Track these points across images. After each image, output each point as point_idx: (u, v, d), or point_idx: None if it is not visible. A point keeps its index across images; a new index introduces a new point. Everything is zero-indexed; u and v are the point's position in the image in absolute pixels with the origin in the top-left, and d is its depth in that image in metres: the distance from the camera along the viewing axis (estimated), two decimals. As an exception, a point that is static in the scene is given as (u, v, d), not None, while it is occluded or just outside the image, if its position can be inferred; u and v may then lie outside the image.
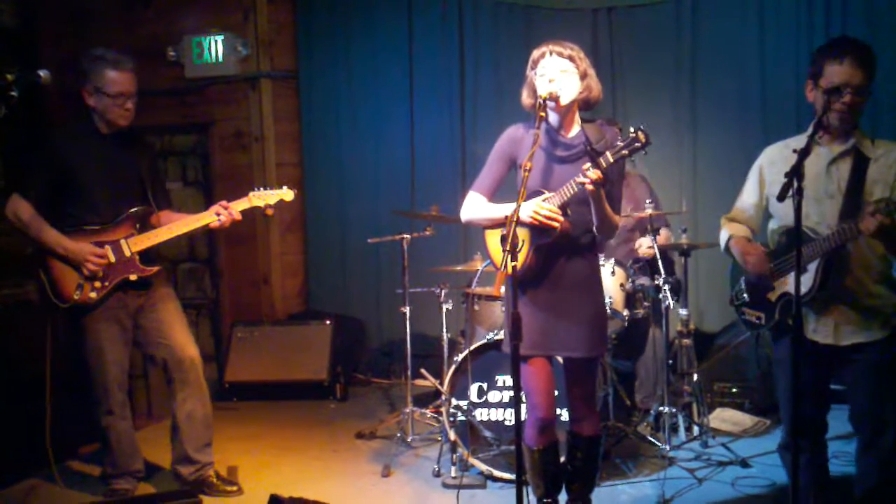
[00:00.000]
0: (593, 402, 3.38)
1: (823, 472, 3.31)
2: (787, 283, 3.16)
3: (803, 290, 2.92)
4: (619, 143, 2.92)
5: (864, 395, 3.12)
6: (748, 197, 3.37)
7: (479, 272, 4.63)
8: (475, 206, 3.29)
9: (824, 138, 3.12)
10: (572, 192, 3.02)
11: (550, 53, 3.09)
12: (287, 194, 4.03)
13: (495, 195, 3.31)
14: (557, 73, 3.07)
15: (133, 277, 3.84)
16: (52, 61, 5.76)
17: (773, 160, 3.26)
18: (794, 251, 2.75)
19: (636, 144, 2.90)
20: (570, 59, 3.09)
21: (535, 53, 3.14)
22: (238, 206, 3.92)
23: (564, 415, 3.92)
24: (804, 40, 5.53)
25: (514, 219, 2.78)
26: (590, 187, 2.93)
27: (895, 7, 5.36)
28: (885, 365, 3.07)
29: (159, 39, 6.45)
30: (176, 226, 3.90)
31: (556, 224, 3.03)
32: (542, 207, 3.03)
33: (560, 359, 3.42)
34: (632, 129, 2.92)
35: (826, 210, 3.08)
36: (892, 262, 3.13)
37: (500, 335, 4.13)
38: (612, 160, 2.93)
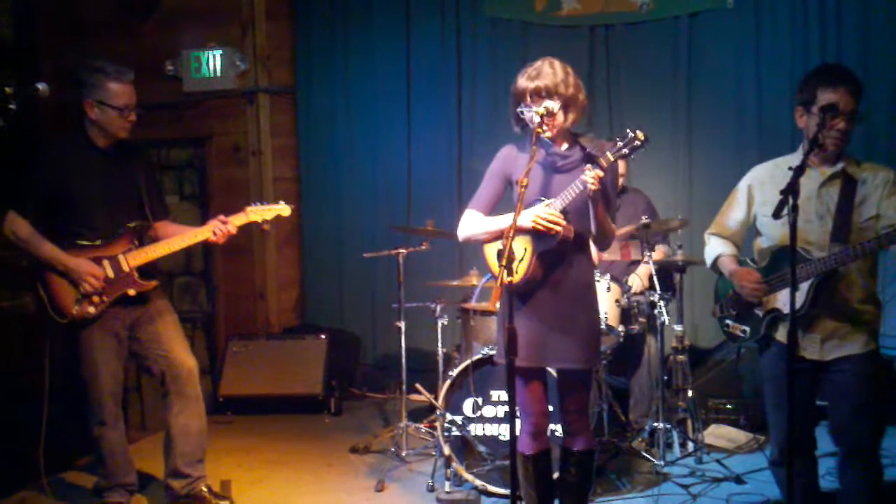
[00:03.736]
0: (586, 416, 3.37)
1: (814, 488, 3.32)
2: (777, 300, 3.19)
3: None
4: (620, 143, 2.95)
5: (843, 408, 3.15)
6: (735, 214, 3.41)
7: (479, 288, 4.63)
8: (473, 222, 3.28)
9: (815, 161, 3.16)
10: (574, 193, 3.01)
11: (530, 95, 3.06)
12: (284, 209, 4.04)
13: (492, 213, 3.31)
14: (542, 115, 3.01)
15: (132, 292, 3.84)
16: (50, 74, 5.78)
17: (763, 180, 3.30)
18: (786, 269, 2.78)
19: (636, 143, 2.93)
20: (550, 93, 3.05)
21: (518, 88, 3.10)
22: (235, 221, 3.94)
23: (559, 430, 3.91)
24: (800, 57, 5.57)
25: (511, 234, 2.79)
26: (592, 186, 2.94)
27: (890, 25, 5.41)
28: (865, 379, 3.11)
29: (158, 53, 6.49)
30: (174, 241, 3.91)
31: (558, 228, 3.03)
32: (544, 212, 3.03)
33: (554, 372, 3.42)
34: (629, 130, 2.95)
35: (817, 230, 3.13)
36: (877, 281, 3.18)
37: (495, 350, 4.13)
38: (612, 159, 2.96)
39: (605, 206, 3.10)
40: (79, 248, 3.79)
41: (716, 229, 3.48)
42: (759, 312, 3.28)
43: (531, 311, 3.19)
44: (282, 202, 4.06)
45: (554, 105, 3.04)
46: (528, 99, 3.08)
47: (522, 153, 3.22)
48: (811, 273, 3.04)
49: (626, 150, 2.95)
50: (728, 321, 3.43)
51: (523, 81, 3.10)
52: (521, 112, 3.10)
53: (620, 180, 5.00)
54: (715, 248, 3.45)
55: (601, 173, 2.93)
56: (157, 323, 3.96)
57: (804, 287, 3.07)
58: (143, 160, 4.11)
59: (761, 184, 3.30)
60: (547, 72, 3.08)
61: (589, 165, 2.95)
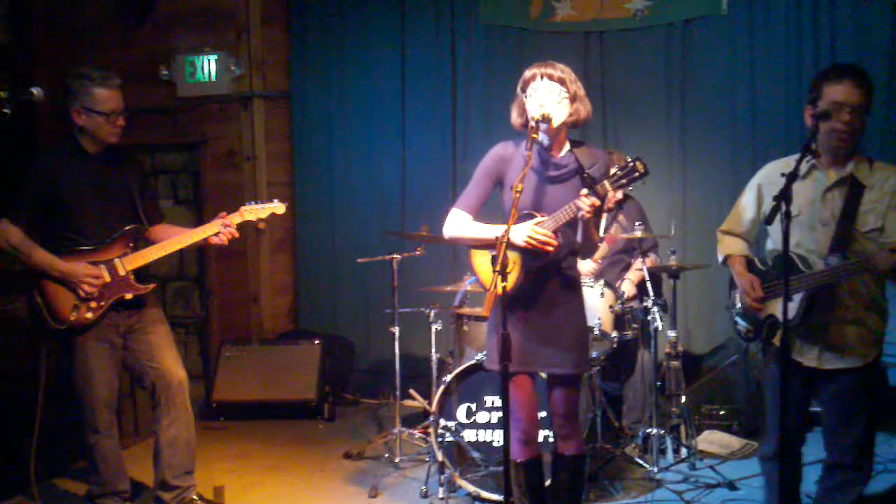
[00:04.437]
0: (576, 421, 3.37)
1: (796, 482, 3.34)
2: (776, 306, 3.19)
3: (788, 317, 2.95)
4: (618, 173, 2.95)
5: (836, 415, 3.16)
6: (746, 212, 3.39)
7: (463, 290, 4.62)
8: (460, 225, 3.29)
9: (823, 162, 3.13)
10: (567, 217, 3.03)
11: (541, 77, 3.12)
12: (279, 208, 4.03)
13: (479, 213, 3.32)
14: (548, 97, 3.09)
15: (129, 296, 3.83)
16: (46, 79, 5.77)
17: (773, 180, 3.25)
18: (783, 277, 2.77)
19: (635, 174, 2.93)
20: (561, 81, 3.12)
21: (527, 74, 3.16)
22: (233, 221, 3.93)
23: (552, 437, 3.91)
24: (794, 64, 5.60)
25: (505, 240, 2.79)
26: (586, 215, 2.96)
27: (883, 30, 5.44)
28: (861, 389, 3.11)
29: (153, 57, 6.47)
30: (170, 243, 3.88)
31: (550, 248, 3.05)
32: (537, 231, 3.04)
33: (544, 376, 3.42)
34: (629, 159, 2.95)
35: (820, 238, 3.10)
36: (885, 288, 3.15)
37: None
38: (609, 189, 2.96)
39: (593, 223, 3.14)
40: (73, 254, 3.76)
41: (728, 226, 3.47)
42: (760, 315, 3.28)
43: (520, 318, 3.20)
44: (276, 200, 4.05)
45: (562, 91, 3.09)
46: (539, 79, 3.11)
47: (518, 151, 3.23)
48: (802, 287, 3.03)
49: (624, 181, 2.96)
50: (737, 317, 3.43)
51: (533, 69, 3.16)
52: (525, 98, 3.14)
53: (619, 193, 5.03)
54: (726, 246, 3.44)
55: (598, 202, 2.95)
56: (149, 333, 3.94)
57: (797, 298, 3.06)
58: (134, 165, 4.09)
59: (770, 183, 3.26)
60: (558, 65, 3.16)
61: (585, 191, 2.96)
